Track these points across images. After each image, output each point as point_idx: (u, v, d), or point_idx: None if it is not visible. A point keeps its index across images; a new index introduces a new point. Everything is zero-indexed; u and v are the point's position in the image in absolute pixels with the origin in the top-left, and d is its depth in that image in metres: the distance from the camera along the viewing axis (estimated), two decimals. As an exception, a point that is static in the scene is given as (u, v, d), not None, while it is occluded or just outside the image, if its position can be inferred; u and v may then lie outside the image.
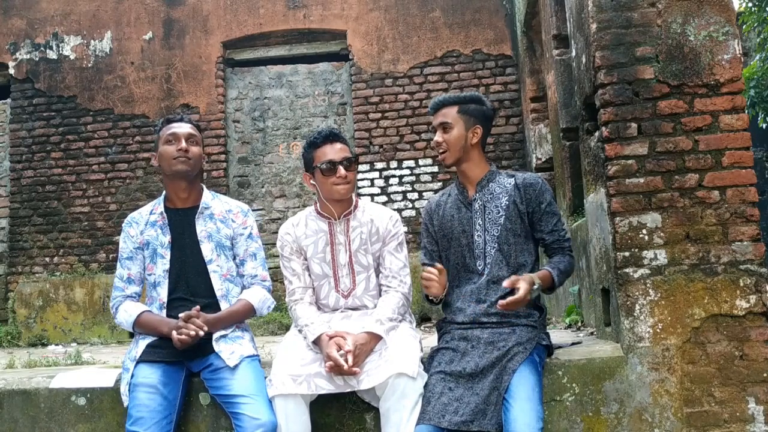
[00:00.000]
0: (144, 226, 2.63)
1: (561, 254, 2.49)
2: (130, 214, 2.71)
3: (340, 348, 2.29)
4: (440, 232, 2.59)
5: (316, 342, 2.38)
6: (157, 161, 2.63)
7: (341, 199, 2.55)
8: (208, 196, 2.67)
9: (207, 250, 2.59)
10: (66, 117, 7.41)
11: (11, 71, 7.53)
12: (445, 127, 2.52)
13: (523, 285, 2.25)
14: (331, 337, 2.34)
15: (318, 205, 2.64)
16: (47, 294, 7.06)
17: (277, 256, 2.73)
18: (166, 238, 2.59)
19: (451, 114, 2.53)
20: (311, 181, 2.63)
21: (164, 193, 2.68)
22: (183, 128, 2.61)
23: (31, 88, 7.49)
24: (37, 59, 7.51)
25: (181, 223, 2.61)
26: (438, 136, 2.54)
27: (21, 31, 7.57)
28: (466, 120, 2.52)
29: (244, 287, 2.65)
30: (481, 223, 2.51)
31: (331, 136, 2.57)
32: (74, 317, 6.96)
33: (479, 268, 2.47)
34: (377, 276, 2.62)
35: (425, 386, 2.27)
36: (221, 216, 2.65)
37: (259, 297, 2.60)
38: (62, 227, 7.30)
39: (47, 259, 7.27)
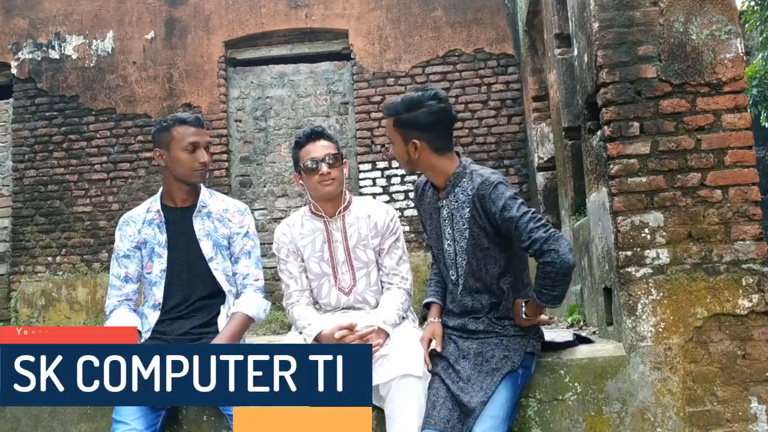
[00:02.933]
0: (141, 224, 2.60)
1: (540, 266, 2.16)
2: (126, 213, 2.68)
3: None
4: (423, 221, 2.48)
5: (317, 340, 2.38)
6: (164, 161, 2.55)
7: (327, 197, 2.52)
8: (205, 195, 2.63)
9: (207, 248, 2.56)
10: (68, 117, 7.41)
11: (14, 71, 7.54)
12: (391, 141, 2.37)
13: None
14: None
15: (311, 204, 2.62)
16: (50, 293, 7.07)
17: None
18: (163, 237, 2.57)
19: (389, 128, 2.33)
20: (300, 181, 2.59)
21: (161, 190, 2.64)
22: (204, 137, 2.53)
23: (34, 87, 7.49)
24: (39, 59, 7.51)
25: (179, 222, 2.58)
26: (390, 149, 2.41)
27: (23, 30, 7.58)
28: (402, 134, 2.28)
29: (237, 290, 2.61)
30: (450, 232, 2.34)
31: (314, 135, 2.51)
32: (76, 317, 6.97)
33: (452, 278, 2.38)
34: (378, 271, 2.60)
35: (429, 388, 2.26)
36: (218, 215, 2.61)
37: (254, 305, 2.53)
38: (64, 227, 7.30)
39: (50, 258, 7.27)
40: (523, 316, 2.26)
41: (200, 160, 2.51)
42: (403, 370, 2.23)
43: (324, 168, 2.46)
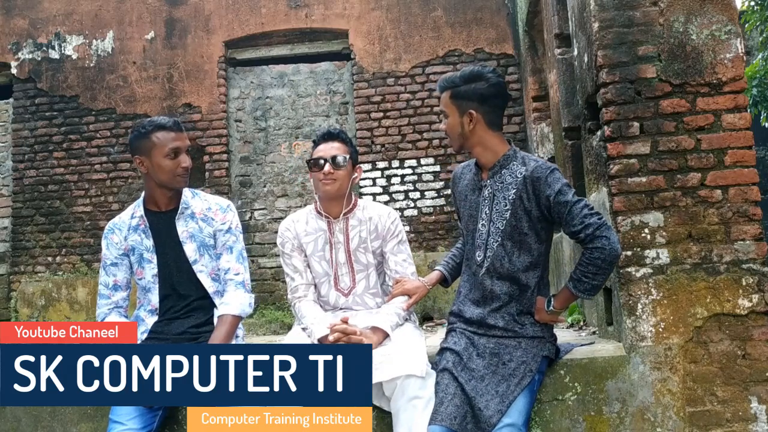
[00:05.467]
0: (127, 231, 2.57)
1: (586, 252, 2.22)
2: (111, 220, 2.65)
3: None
4: (458, 204, 2.54)
5: (321, 341, 2.38)
6: (146, 168, 2.50)
7: (327, 196, 2.54)
8: (188, 195, 2.60)
9: (190, 250, 2.54)
10: (68, 117, 7.41)
11: (14, 71, 7.54)
12: (443, 114, 2.41)
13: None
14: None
15: (317, 204, 2.64)
16: (50, 293, 7.07)
17: (279, 255, 2.72)
18: (150, 242, 2.54)
19: (444, 101, 2.37)
20: (310, 177, 2.63)
21: (143, 195, 2.60)
22: (185, 141, 2.51)
23: (34, 87, 7.50)
24: (39, 59, 7.51)
25: (163, 226, 2.55)
26: (441, 123, 2.45)
27: (23, 30, 7.58)
28: (459, 106, 2.33)
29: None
30: (487, 212, 2.36)
31: (328, 135, 2.58)
32: (77, 317, 6.97)
33: (478, 259, 2.39)
34: (378, 275, 2.62)
35: (436, 384, 2.24)
36: (202, 215, 2.58)
37: (237, 303, 2.49)
38: (64, 227, 7.30)
39: (50, 258, 7.28)
40: (552, 308, 2.31)
41: (183, 165, 2.48)
42: (406, 370, 2.22)
43: (327, 167, 2.49)
